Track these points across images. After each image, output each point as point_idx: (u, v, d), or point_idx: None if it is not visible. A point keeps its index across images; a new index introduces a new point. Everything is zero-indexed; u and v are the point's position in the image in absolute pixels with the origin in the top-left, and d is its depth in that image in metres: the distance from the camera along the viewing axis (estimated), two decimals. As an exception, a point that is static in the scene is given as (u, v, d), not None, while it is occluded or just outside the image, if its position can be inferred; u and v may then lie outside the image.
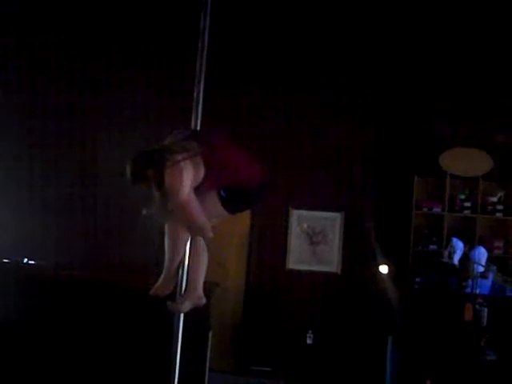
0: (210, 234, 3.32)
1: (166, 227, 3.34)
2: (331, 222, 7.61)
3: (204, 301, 3.56)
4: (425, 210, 7.42)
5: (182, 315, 3.41)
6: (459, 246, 7.13)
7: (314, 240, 7.60)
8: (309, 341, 7.46)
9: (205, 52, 3.36)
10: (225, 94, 7.41)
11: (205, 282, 3.65)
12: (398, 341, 6.61)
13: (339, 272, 7.54)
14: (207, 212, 3.35)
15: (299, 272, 7.57)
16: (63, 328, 5.79)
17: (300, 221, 7.65)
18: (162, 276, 3.45)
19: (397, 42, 7.50)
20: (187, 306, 3.42)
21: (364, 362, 7.11)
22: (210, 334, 5.71)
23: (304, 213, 7.65)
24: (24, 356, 5.75)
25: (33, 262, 6.73)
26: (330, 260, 7.58)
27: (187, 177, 3.18)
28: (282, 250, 7.61)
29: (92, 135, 7.79)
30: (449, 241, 7.22)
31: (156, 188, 3.21)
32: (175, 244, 3.35)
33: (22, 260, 6.74)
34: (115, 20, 7.82)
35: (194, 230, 3.31)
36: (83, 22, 7.87)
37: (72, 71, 7.88)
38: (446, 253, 7.14)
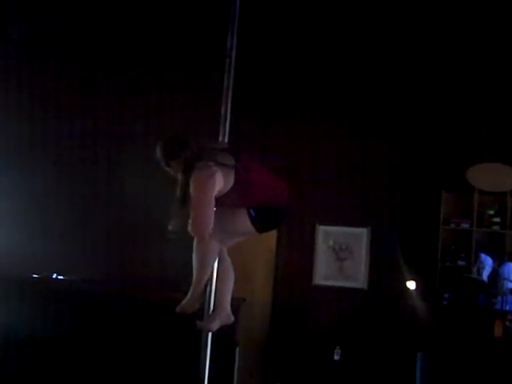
0: (205, 240, 3.29)
1: (195, 244, 3.37)
2: (357, 237, 7.58)
3: (232, 319, 3.58)
4: (452, 225, 7.35)
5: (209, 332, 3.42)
6: (488, 262, 7.05)
7: (340, 256, 7.58)
8: (336, 357, 7.41)
9: (232, 72, 3.40)
10: (251, 110, 7.45)
11: (232, 298, 3.67)
12: (427, 357, 6.54)
13: (366, 288, 7.50)
14: (237, 230, 3.39)
15: (326, 288, 7.54)
16: (91, 343, 5.83)
17: (326, 236, 7.63)
18: (190, 293, 3.47)
19: (423, 54, 7.48)
20: (216, 324, 3.43)
21: (393, 378, 7.03)
22: (237, 351, 5.71)
23: (330, 228, 7.63)
24: (53, 371, 5.79)
25: (62, 277, 6.79)
26: (356, 276, 7.54)
27: (214, 182, 3.21)
28: (308, 265, 7.59)
29: (118, 154, 7.86)
30: (477, 257, 7.15)
31: (180, 179, 3.25)
32: (203, 261, 3.36)
33: (51, 275, 6.81)
34: (141, 37, 7.91)
35: (192, 229, 3.27)
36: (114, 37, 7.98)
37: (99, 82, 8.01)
38: (474, 269, 7.07)
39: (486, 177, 7.26)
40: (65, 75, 8.08)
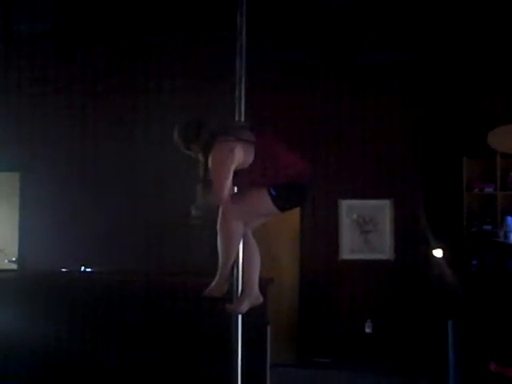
0: (220, 203, 3.32)
1: (219, 227, 3.36)
2: (381, 209, 7.56)
3: (261, 300, 3.57)
4: (476, 190, 7.29)
5: (240, 313, 3.42)
6: (515, 224, 6.99)
7: (364, 229, 7.57)
8: (368, 329, 7.42)
9: (244, 51, 3.37)
10: (271, 88, 7.45)
11: (260, 279, 3.67)
12: (458, 325, 6.52)
13: (392, 259, 7.49)
14: (259, 211, 3.38)
15: (353, 261, 7.54)
16: (123, 333, 5.88)
17: (349, 210, 7.62)
18: (217, 277, 3.47)
19: (445, 17, 7.36)
20: (246, 306, 3.43)
21: (425, 347, 7.03)
22: (269, 329, 5.73)
23: (353, 202, 7.62)
24: (83, 362, 5.86)
25: (89, 270, 6.85)
26: (382, 247, 7.53)
27: (233, 157, 3.23)
28: (333, 240, 7.59)
29: (141, 144, 7.89)
30: (503, 220, 7.08)
31: (201, 160, 3.29)
32: (228, 244, 3.36)
33: (79, 268, 6.87)
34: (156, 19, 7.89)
35: (212, 196, 3.32)
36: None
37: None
38: (501, 232, 7.00)
39: (508, 139, 7.18)
40: (83, 57, 8.13)
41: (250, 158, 3.30)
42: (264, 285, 5.42)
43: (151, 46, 8.02)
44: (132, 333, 5.87)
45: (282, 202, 3.39)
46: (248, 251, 3.47)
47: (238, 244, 3.39)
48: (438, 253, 7.13)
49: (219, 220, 3.36)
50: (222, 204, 3.32)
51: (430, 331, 7.01)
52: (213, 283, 3.50)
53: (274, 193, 3.33)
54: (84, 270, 6.85)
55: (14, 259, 7.87)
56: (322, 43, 7.66)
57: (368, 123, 7.59)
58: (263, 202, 3.35)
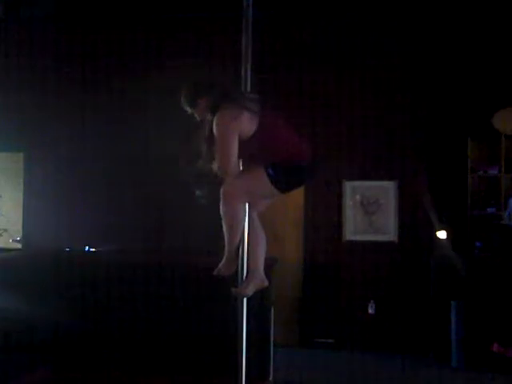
0: (229, 175, 3.29)
1: (221, 209, 3.35)
2: (385, 190, 7.55)
3: (267, 283, 3.55)
4: (480, 172, 7.28)
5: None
6: (518, 207, 6.99)
7: (368, 210, 7.57)
8: (371, 310, 7.45)
9: (249, 30, 3.34)
10: (274, 68, 7.44)
11: (264, 258, 3.67)
12: (461, 306, 6.55)
13: (396, 240, 7.50)
14: (258, 191, 3.37)
15: (356, 243, 7.56)
16: (127, 312, 5.91)
17: (353, 192, 7.62)
18: (224, 257, 3.47)
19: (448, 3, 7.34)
20: (251, 289, 3.41)
21: (428, 328, 7.07)
22: (273, 310, 5.75)
23: (357, 183, 7.62)
24: (87, 340, 5.90)
25: (93, 250, 6.88)
26: (386, 229, 7.54)
27: (237, 123, 3.20)
28: (337, 221, 7.60)
29: (149, 121, 7.88)
30: (507, 203, 7.09)
31: (208, 119, 3.25)
32: (232, 224, 3.35)
33: (83, 248, 6.90)
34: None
35: (218, 166, 3.29)
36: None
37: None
38: (505, 215, 7.01)
39: (512, 122, 7.16)
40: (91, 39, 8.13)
41: (253, 129, 3.26)
42: (269, 264, 5.45)
43: (157, 26, 7.99)
44: (135, 312, 5.90)
45: (280, 182, 3.34)
46: (253, 234, 3.45)
47: (242, 224, 3.37)
48: (441, 234, 7.13)
49: (221, 201, 3.35)
50: (229, 177, 3.29)
51: (432, 312, 7.03)
52: (221, 263, 3.50)
53: (271, 173, 3.29)
54: (88, 250, 6.87)
55: (18, 239, 7.91)
56: (327, 26, 7.63)
57: (373, 105, 7.56)
58: (262, 181, 3.31)
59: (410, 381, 6.02)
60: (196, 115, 3.39)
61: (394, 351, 7.15)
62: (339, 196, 7.62)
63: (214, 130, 3.23)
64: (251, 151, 3.30)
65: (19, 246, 7.86)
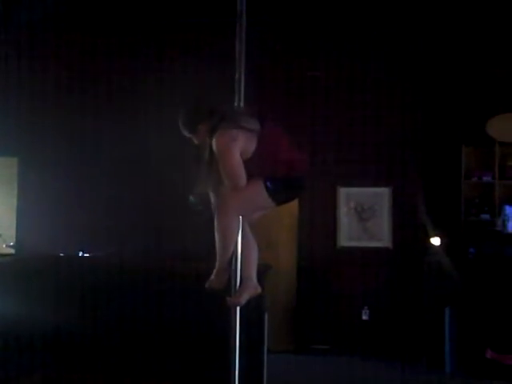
0: (240, 186, 3.29)
1: (216, 221, 3.35)
2: (380, 197, 7.57)
3: (260, 290, 3.56)
4: (474, 179, 7.30)
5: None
6: (512, 213, 7.00)
7: (363, 216, 7.58)
8: (365, 317, 7.46)
9: (243, 35, 3.35)
10: (270, 71, 7.46)
11: (258, 265, 3.67)
12: (455, 312, 6.55)
13: (391, 246, 7.51)
14: (255, 203, 3.38)
15: (351, 249, 7.56)
16: (121, 317, 5.90)
17: (348, 198, 7.63)
18: (216, 269, 3.46)
19: (443, 7, 7.35)
20: (245, 298, 3.41)
21: (422, 334, 7.06)
22: (266, 316, 5.74)
23: (352, 190, 7.62)
24: (80, 346, 5.88)
25: (87, 255, 6.86)
26: (380, 235, 7.55)
27: (236, 144, 3.20)
28: (331, 228, 7.60)
29: (145, 126, 7.88)
30: (501, 209, 7.10)
31: (205, 147, 3.26)
32: (225, 237, 3.35)
33: (77, 253, 6.88)
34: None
35: (228, 183, 3.29)
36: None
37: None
38: (499, 221, 7.02)
39: (506, 128, 7.17)
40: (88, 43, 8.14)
41: (253, 148, 3.27)
42: (262, 271, 5.45)
43: (152, 30, 7.99)
44: (128, 318, 5.88)
45: (278, 195, 3.36)
46: (245, 243, 3.44)
47: (236, 237, 3.36)
48: (435, 241, 7.14)
49: (216, 213, 3.35)
50: (240, 185, 3.28)
51: (426, 318, 7.03)
52: (212, 276, 3.50)
53: (270, 186, 3.30)
54: (82, 255, 6.85)
55: (11, 244, 7.88)
56: (323, 25, 7.65)
57: (368, 111, 7.58)
58: (259, 194, 3.31)
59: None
60: (194, 139, 3.38)
61: (388, 357, 7.15)
62: (334, 202, 7.63)
63: (216, 152, 3.22)
64: (251, 167, 3.30)
65: (12, 251, 7.82)
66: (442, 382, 6.31)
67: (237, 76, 3.39)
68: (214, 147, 3.22)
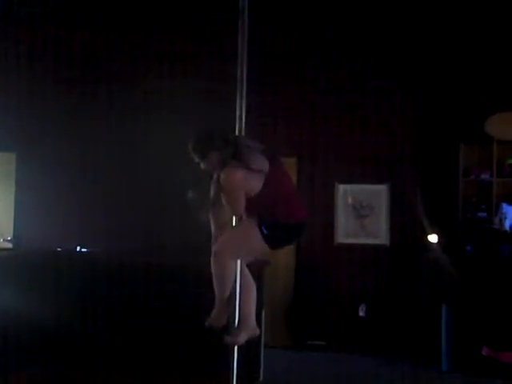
0: (239, 215, 3.39)
1: (212, 264, 3.40)
2: (377, 194, 7.58)
3: (258, 332, 3.65)
4: (472, 177, 7.31)
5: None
6: (510, 211, 7.01)
7: (361, 213, 7.59)
8: (361, 313, 7.47)
9: (246, 32, 3.36)
10: (268, 67, 7.47)
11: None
12: (452, 309, 6.58)
13: (388, 244, 7.53)
14: (250, 249, 3.45)
15: (348, 246, 7.58)
16: (119, 312, 5.91)
17: (346, 195, 7.64)
18: (215, 308, 3.53)
19: (443, 5, 7.36)
20: (243, 338, 3.48)
21: (418, 331, 7.09)
22: (264, 312, 5.76)
23: (350, 187, 7.64)
24: (77, 340, 5.90)
25: (85, 250, 6.86)
26: (378, 232, 7.56)
27: (243, 184, 3.25)
28: (329, 224, 7.62)
29: (138, 122, 7.88)
30: (498, 207, 7.12)
31: (216, 177, 3.31)
32: (222, 280, 3.41)
33: (75, 248, 6.88)
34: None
35: (232, 212, 3.38)
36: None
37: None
38: (496, 219, 7.04)
39: (505, 126, 7.19)
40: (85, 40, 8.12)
41: (258, 188, 3.31)
42: (260, 267, 5.48)
43: (151, 27, 7.98)
44: (126, 312, 5.90)
45: (274, 240, 3.41)
46: (244, 283, 3.50)
47: (232, 279, 3.41)
48: (433, 238, 7.16)
49: (212, 259, 3.39)
50: (238, 216, 3.38)
51: (423, 316, 7.06)
52: (212, 315, 3.55)
53: (265, 231, 3.34)
54: (80, 250, 6.86)
55: (9, 238, 7.88)
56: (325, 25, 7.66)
57: (366, 108, 7.58)
58: (254, 239, 3.36)
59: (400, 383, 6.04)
60: (202, 164, 3.39)
61: (384, 354, 7.17)
62: (332, 199, 7.64)
63: (222, 186, 3.26)
64: (252, 207, 3.35)
65: (10, 245, 7.83)
66: (438, 379, 6.33)
67: (238, 73, 3.41)
68: (221, 181, 3.25)
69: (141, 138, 7.79)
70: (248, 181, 3.26)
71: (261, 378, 5.83)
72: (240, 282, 3.44)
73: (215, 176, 3.35)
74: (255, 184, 3.29)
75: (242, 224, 3.43)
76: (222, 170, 3.26)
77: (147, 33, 8.02)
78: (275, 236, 3.39)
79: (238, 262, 3.43)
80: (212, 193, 3.38)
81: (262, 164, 3.31)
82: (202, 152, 3.34)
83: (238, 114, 3.45)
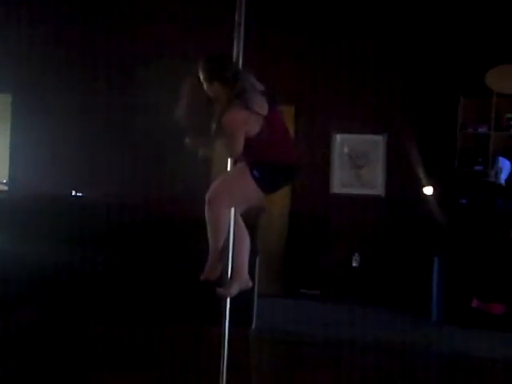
0: (235, 157, 3.39)
1: (206, 214, 3.38)
2: (374, 144, 7.56)
3: (250, 284, 3.64)
4: (470, 130, 7.28)
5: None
6: (506, 165, 7.00)
7: (357, 163, 7.58)
8: (355, 263, 7.53)
9: (243, 5, 3.33)
10: (268, 18, 7.36)
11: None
12: (443, 261, 6.63)
13: (383, 195, 7.54)
14: (244, 195, 3.42)
15: (343, 196, 7.59)
16: (114, 258, 5.95)
17: (342, 145, 7.61)
18: (209, 260, 3.51)
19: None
20: (235, 290, 3.48)
21: (410, 282, 7.16)
22: (258, 259, 5.80)
23: (346, 136, 7.61)
24: (72, 283, 5.95)
25: (80, 195, 6.87)
26: (373, 183, 7.57)
27: (244, 125, 3.23)
28: (325, 174, 7.61)
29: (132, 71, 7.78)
30: (495, 161, 7.11)
31: (218, 111, 3.26)
32: (216, 230, 3.40)
33: (70, 193, 6.88)
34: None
35: (228, 152, 3.37)
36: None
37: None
38: (492, 172, 7.04)
39: (505, 79, 7.12)
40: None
41: (256, 130, 3.27)
42: (256, 214, 5.49)
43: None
44: (120, 258, 5.94)
45: (266, 183, 3.37)
46: (237, 235, 3.49)
47: (226, 229, 3.40)
48: (428, 190, 7.17)
49: (206, 207, 3.37)
50: (236, 157, 3.39)
51: (415, 267, 7.12)
52: (206, 268, 3.54)
53: (257, 174, 3.32)
54: (75, 195, 6.86)
55: (4, 181, 7.87)
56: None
57: (365, 58, 7.50)
58: (246, 184, 3.34)
59: (391, 333, 6.11)
60: (205, 87, 3.33)
61: (376, 304, 7.25)
62: (328, 148, 7.62)
63: (223, 124, 3.21)
64: (247, 148, 3.31)
65: (6, 188, 7.82)
66: (429, 329, 6.40)
67: (236, 18, 3.37)
68: (223, 120, 3.21)
69: (139, 81, 7.69)
70: (249, 123, 3.24)
71: (253, 325, 5.90)
72: (233, 232, 3.43)
73: (217, 109, 3.29)
74: (253, 126, 3.26)
75: (234, 170, 3.43)
76: (225, 108, 3.22)
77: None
78: (267, 179, 3.36)
79: (232, 210, 3.41)
80: (213, 127, 3.29)
81: (263, 107, 3.28)
82: (209, 74, 3.29)
83: (235, 51, 3.41)
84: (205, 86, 3.33)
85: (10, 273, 5.92)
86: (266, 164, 3.34)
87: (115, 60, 7.82)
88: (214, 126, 3.26)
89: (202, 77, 3.32)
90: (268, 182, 3.38)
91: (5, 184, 7.83)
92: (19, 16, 7.95)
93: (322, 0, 7.57)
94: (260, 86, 3.40)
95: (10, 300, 5.80)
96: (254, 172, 3.32)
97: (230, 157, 3.42)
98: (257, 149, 3.31)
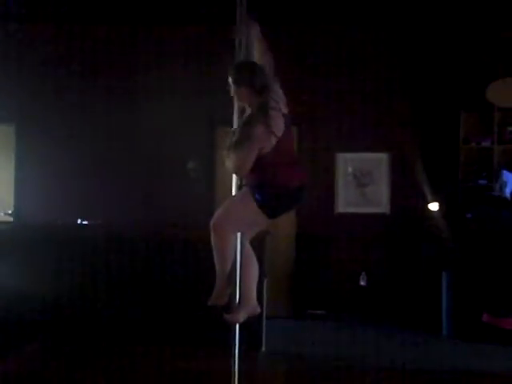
0: (242, 174, 3.35)
1: (212, 240, 3.38)
2: (378, 162, 7.56)
3: (259, 310, 3.64)
4: (473, 144, 7.28)
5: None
6: (510, 178, 6.99)
7: (361, 182, 7.58)
8: (362, 282, 7.50)
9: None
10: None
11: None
12: (452, 276, 6.59)
13: (389, 212, 7.53)
14: (248, 219, 3.40)
15: (349, 215, 7.58)
16: (121, 284, 5.93)
17: (346, 164, 7.62)
18: (216, 286, 3.51)
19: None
20: (243, 316, 3.47)
21: (419, 299, 7.12)
22: (265, 282, 5.78)
23: (350, 155, 7.62)
24: (77, 311, 5.93)
25: (86, 223, 6.86)
26: (378, 201, 7.56)
27: (261, 141, 3.21)
28: (330, 193, 7.61)
29: (144, 93, 7.80)
30: (499, 174, 7.10)
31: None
32: (222, 256, 3.40)
33: (76, 221, 6.88)
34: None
35: (232, 168, 3.32)
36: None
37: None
38: (496, 186, 7.03)
39: (506, 93, 7.14)
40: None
41: (266, 151, 3.26)
42: (261, 237, 5.48)
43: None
44: (128, 284, 5.93)
45: (269, 207, 3.35)
46: (245, 262, 3.48)
47: (232, 254, 3.39)
48: (433, 206, 7.16)
49: (211, 233, 3.37)
50: (241, 175, 3.38)
51: (424, 283, 7.08)
52: (213, 293, 3.53)
53: (258, 198, 3.31)
54: (81, 223, 6.86)
55: (9, 212, 7.87)
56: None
57: (367, 77, 7.53)
58: (249, 208, 3.33)
59: (401, 350, 6.08)
60: (232, 90, 3.37)
61: (385, 322, 7.21)
62: (332, 168, 7.62)
63: (242, 136, 3.22)
64: (254, 167, 3.29)
65: (11, 219, 7.82)
66: (439, 345, 6.36)
67: (236, 44, 3.40)
68: (243, 130, 3.23)
69: (142, 110, 7.71)
70: (264, 140, 3.23)
71: (263, 348, 5.87)
72: (240, 257, 3.42)
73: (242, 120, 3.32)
74: (267, 146, 3.24)
75: (238, 194, 3.42)
76: (248, 119, 3.25)
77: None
78: (269, 203, 3.33)
79: (238, 235, 3.40)
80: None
81: (280, 128, 3.28)
82: (239, 77, 3.33)
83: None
84: (232, 89, 3.36)
85: (15, 303, 5.91)
86: (269, 187, 3.31)
87: (119, 89, 7.85)
88: (233, 137, 3.28)
89: (231, 79, 3.34)
90: (270, 206, 3.35)
91: (10, 215, 7.83)
92: (21, 47, 8.00)
93: (322, 18, 7.58)
94: (284, 108, 3.39)
95: (13, 331, 5.78)
96: (256, 196, 3.31)
97: (236, 174, 3.40)
98: (262, 170, 3.28)
